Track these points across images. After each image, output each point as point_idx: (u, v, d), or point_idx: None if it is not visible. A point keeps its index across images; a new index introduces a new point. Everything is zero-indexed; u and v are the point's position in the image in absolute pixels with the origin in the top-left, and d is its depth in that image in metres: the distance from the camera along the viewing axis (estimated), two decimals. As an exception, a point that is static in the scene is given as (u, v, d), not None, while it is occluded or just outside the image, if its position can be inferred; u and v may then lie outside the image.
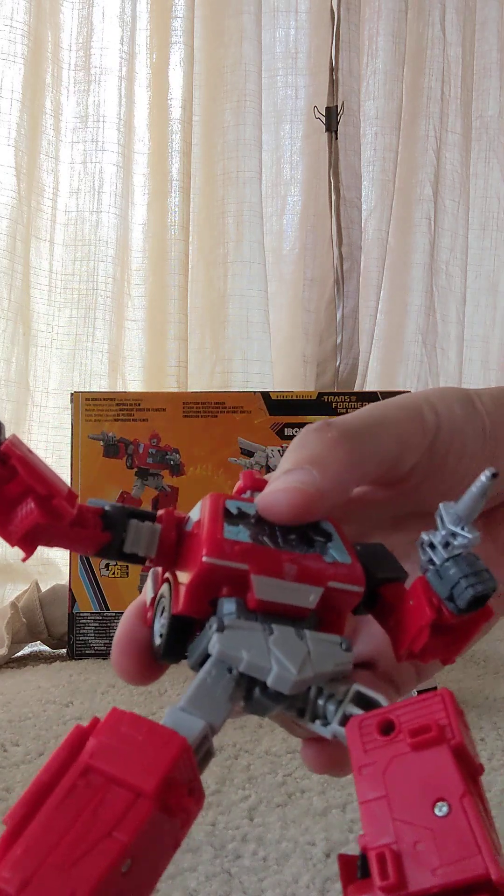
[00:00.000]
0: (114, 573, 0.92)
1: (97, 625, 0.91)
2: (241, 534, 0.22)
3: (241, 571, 0.21)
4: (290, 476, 0.24)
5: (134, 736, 0.18)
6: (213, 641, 0.21)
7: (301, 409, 0.93)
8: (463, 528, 0.21)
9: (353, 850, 0.43)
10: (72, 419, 0.93)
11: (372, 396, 0.94)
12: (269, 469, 0.93)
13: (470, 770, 0.18)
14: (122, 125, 1.18)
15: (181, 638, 0.23)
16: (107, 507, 0.23)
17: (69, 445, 0.93)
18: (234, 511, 0.23)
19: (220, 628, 0.21)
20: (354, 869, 0.19)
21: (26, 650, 0.95)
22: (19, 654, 0.94)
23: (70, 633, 0.91)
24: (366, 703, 0.22)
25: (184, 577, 0.22)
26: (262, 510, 0.24)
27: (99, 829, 0.17)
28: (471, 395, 0.28)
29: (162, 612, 0.23)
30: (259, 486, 0.25)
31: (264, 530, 0.23)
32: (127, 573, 0.92)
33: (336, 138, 1.34)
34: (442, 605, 0.21)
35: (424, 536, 0.22)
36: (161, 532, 0.23)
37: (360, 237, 1.38)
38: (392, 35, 1.43)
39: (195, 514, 0.24)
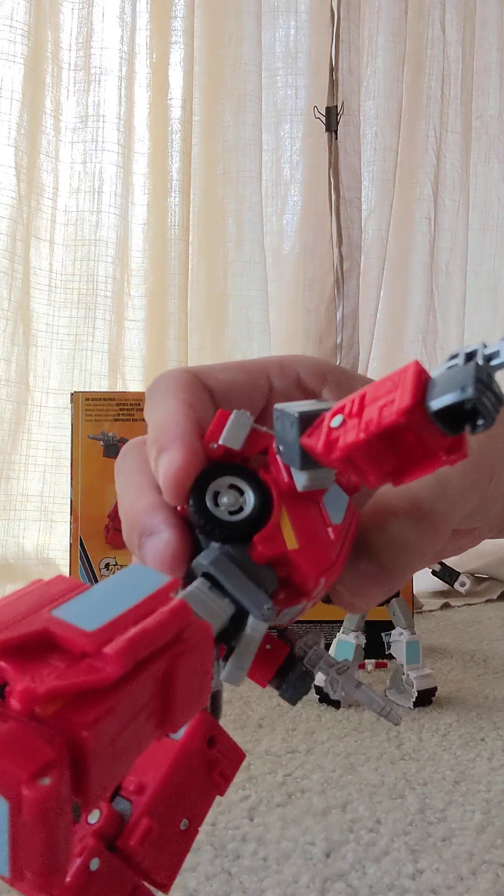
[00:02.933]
0: (114, 573, 0.92)
1: (97, 625, 0.91)
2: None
3: (308, 598, 0.23)
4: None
5: (200, 671, 0.18)
6: (260, 629, 0.22)
7: (301, 409, 0.93)
8: None
9: (353, 850, 0.43)
10: (72, 419, 0.93)
11: (372, 396, 0.94)
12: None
13: None
14: (122, 125, 1.18)
15: (228, 540, 0.22)
16: None
17: (69, 445, 0.93)
18: None
19: (270, 620, 0.22)
20: None
21: (26, 650, 0.95)
22: (19, 654, 0.94)
23: (70, 633, 0.91)
24: (215, 703, 0.24)
25: (287, 530, 0.22)
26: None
27: (137, 736, 0.17)
28: None
29: (236, 503, 0.23)
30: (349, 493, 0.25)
31: None
32: (127, 573, 0.92)
33: (336, 138, 1.34)
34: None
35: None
36: (321, 490, 0.23)
37: (360, 237, 1.38)
38: (392, 35, 1.43)
39: (339, 503, 0.23)
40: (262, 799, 0.49)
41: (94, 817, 0.21)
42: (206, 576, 0.22)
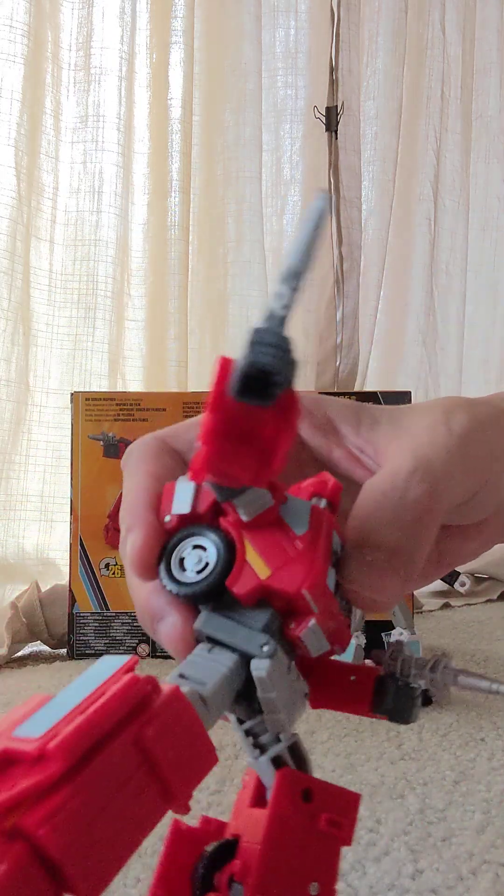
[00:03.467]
0: (114, 573, 0.92)
1: (97, 625, 0.91)
2: (330, 581, 0.23)
3: (312, 614, 0.22)
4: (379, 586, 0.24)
5: (185, 734, 0.18)
6: (263, 666, 0.21)
7: (301, 409, 0.93)
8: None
9: (353, 850, 0.43)
10: (72, 419, 0.93)
11: (372, 396, 0.94)
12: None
13: None
14: (122, 125, 1.18)
15: (210, 598, 0.23)
16: None
17: (69, 445, 0.93)
18: (335, 549, 0.24)
19: (272, 655, 0.22)
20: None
21: (26, 650, 0.96)
22: (19, 654, 0.94)
23: (70, 633, 0.91)
24: (297, 756, 0.23)
25: (256, 561, 0.22)
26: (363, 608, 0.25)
27: (128, 816, 0.17)
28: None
29: (201, 561, 0.23)
30: (329, 494, 0.25)
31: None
32: (127, 573, 0.92)
33: (336, 138, 1.34)
34: None
35: None
36: (268, 509, 0.23)
37: (360, 237, 1.38)
38: (392, 35, 1.43)
39: (300, 513, 0.23)
40: (262, 799, 0.49)
41: None
42: (209, 638, 0.22)
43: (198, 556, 0.23)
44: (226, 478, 0.20)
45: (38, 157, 1.13)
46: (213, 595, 0.22)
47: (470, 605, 1.22)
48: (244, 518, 0.22)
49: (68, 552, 0.92)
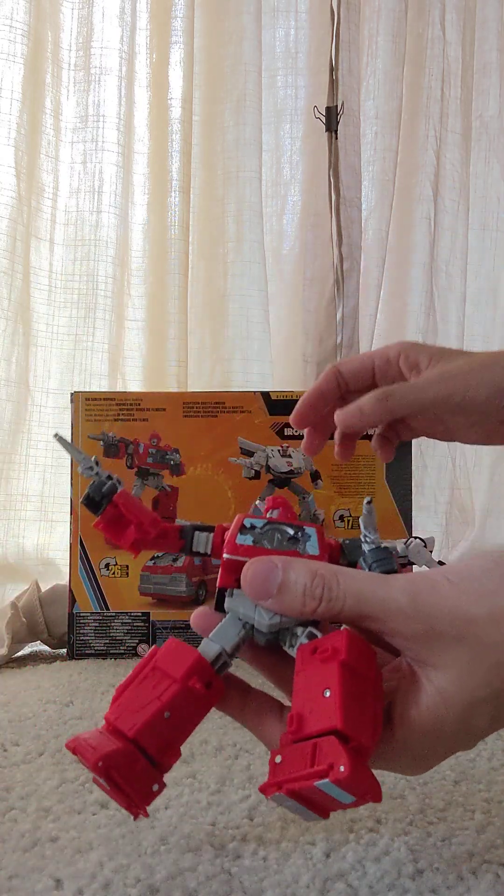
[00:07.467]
0: (114, 573, 0.92)
1: (97, 625, 0.91)
2: (246, 540, 0.38)
3: (243, 562, 0.37)
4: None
5: (176, 652, 0.37)
6: (226, 603, 0.38)
7: (301, 409, 0.93)
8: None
9: (353, 850, 0.43)
10: (72, 419, 0.93)
11: (372, 396, 0.94)
12: (268, 469, 0.93)
13: (359, 672, 0.33)
14: (122, 125, 1.18)
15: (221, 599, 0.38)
16: (183, 524, 0.40)
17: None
18: (247, 525, 0.39)
19: (231, 594, 0.38)
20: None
21: (26, 650, 0.96)
22: (19, 654, 0.94)
23: (70, 633, 0.91)
24: (313, 637, 0.36)
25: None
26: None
27: (153, 695, 0.36)
28: None
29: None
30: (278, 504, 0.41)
31: (265, 536, 0.38)
32: (127, 574, 0.92)
33: (336, 138, 1.34)
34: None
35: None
36: (213, 538, 0.41)
37: (360, 237, 1.38)
38: (392, 35, 1.43)
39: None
40: (262, 799, 0.49)
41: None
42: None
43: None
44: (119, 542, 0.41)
45: (38, 157, 1.13)
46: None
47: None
48: (206, 550, 0.41)
49: (68, 552, 0.92)
